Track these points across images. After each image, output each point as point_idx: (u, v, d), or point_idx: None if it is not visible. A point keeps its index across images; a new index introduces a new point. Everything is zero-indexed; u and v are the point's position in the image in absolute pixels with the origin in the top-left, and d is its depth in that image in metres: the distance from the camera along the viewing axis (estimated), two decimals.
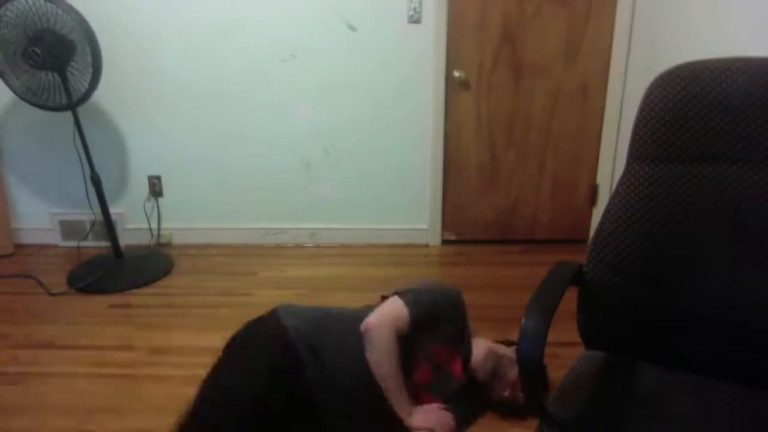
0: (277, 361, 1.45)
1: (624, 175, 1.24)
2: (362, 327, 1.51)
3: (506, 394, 1.66)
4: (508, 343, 1.80)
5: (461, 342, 1.67)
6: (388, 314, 1.52)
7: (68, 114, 2.56)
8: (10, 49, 2.35)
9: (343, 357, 1.51)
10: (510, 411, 1.73)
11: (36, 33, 2.33)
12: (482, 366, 1.66)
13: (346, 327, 1.56)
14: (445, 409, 1.56)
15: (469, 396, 1.68)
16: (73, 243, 3.08)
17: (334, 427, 1.46)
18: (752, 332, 1.13)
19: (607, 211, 1.25)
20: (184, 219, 3.11)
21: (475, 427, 1.70)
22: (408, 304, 1.54)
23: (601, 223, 1.26)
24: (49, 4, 2.30)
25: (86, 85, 2.46)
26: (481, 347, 1.70)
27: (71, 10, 2.34)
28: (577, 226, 3.11)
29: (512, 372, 1.67)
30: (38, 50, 2.31)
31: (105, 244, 2.95)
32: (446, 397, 1.61)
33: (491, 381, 1.67)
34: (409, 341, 1.54)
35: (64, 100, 2.48)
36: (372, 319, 1.51)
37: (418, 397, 1.57)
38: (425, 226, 3.11)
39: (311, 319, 1.57)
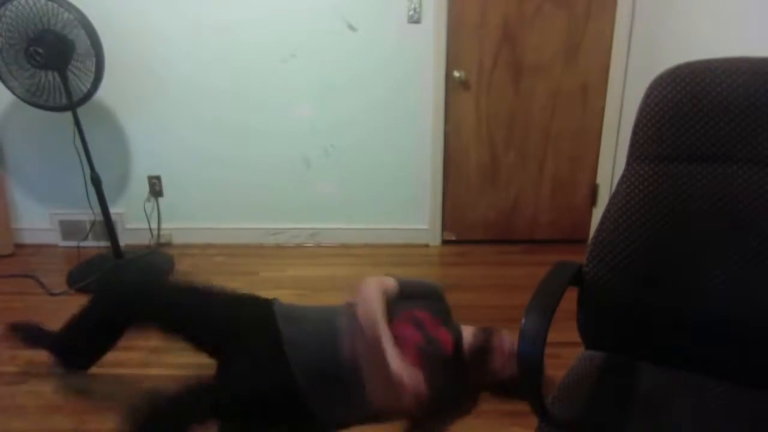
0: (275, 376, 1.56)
1: (624, 175, 1.24)
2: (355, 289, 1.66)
3: (499, 363, 1.68)
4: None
5: (448, 320, 1.73)
6: (377, 278, 1.69)
7: (68, 114, 2.56)
8: (11, 50, 2.35)
9: (315, 344, 1.60)
10: (503, 392, 1.74)
11: (37, 33, 2.33)
12: (474, 343, 1.71)
13: (321, 316, 1.69)
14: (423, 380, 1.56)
15: (458, 386, 1.70)
16: (73, 243, 3.08)
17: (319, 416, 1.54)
18: (752, 332, 1.13)
19: (607, 211, 1.25)
20: (184, 219, 3.11)
21: (474, 426, 1.70)
22: (396, 278, 1.71)
23: (601, 223, 1.26)
24: (50, 3, 2.30)
25: (88, 86, 2.46)
26: (468, 330, 1.77)
27: (73, 9, 2.34)
28: (577, 226, 3.11)
29: (504, 341, 1.72)
30: (41, 50, 2.31)
31: (105, 244, 2.95)
32: (434, 367, 1.61)
33: (486, 355, 1.70)
34: (396, 305, 1.66)
35: (65, 101, 2.48)
36: (363, 281, 1.66)
37: (405, 357, 1.58)
38: (425, 226, 3.11)
39: (301, 309, 1.72)
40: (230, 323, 1.63)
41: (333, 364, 1.55)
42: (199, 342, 1.68)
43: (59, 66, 2.39)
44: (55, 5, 2.30)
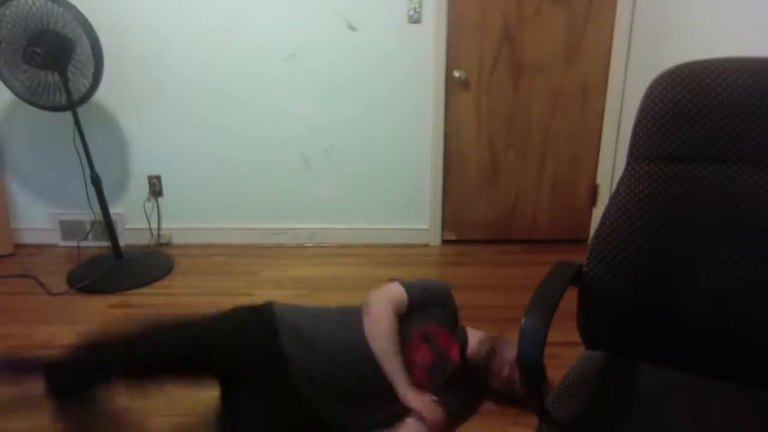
0: (252, 331, 1.52)
1: (624, 175, 1.24)
2: (364, 304, 1.60)
3: (505, 373, 1.67)
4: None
5: (455, 327, 1.71)
6: (388, 292, 1.61)
7: (68, 114, 2.56)
8: (10, 50, 2.35)
9: (332, 344, 1.54)
10: (508, 401, 1.73)
11: (36, 33, 2.33)
12: (478, 351, 1.69)
13: (337, 318, 1.64)
14: (437, 402, 1.56)
15: (465, 388, 1.69)
16: (73, 243, 3.08)
17: (327, 414, 1.50)
18: (752, 332, 1.13)
19: (607, 211, 1.25)
20: (184, 219, 3.11)
21: (474, 425, 1.70)
22: (405, 286, 1.64)
23: (601, 223, 1.26)
24: (49, 3, 2.30)
25: (87, 85, 2.46)
26: (475, 335, 1.75)
27: (72, 9, 2.34)
28: (577, 226, 3.11)
29: (509, 352, 1.69)
30: (39, 50, 2.31)
31: (105, 244, 2.95)
32: (443, 381, 1.62)
33: (489, 364, 1.68)
34: (408, 321, 1.61)
35: (64, 100, 2.48)
36: (373, 296, 1.60)
37: (414, 380, 1.58)
38: (425, 226, 3.11)
39: (307, 315, 1.63)
40: (231, 347, 1.48)
41: (352, 386, 1.52)
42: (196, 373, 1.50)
43: (59, 66, 2.39)
44: (55, 5, 2.30)
